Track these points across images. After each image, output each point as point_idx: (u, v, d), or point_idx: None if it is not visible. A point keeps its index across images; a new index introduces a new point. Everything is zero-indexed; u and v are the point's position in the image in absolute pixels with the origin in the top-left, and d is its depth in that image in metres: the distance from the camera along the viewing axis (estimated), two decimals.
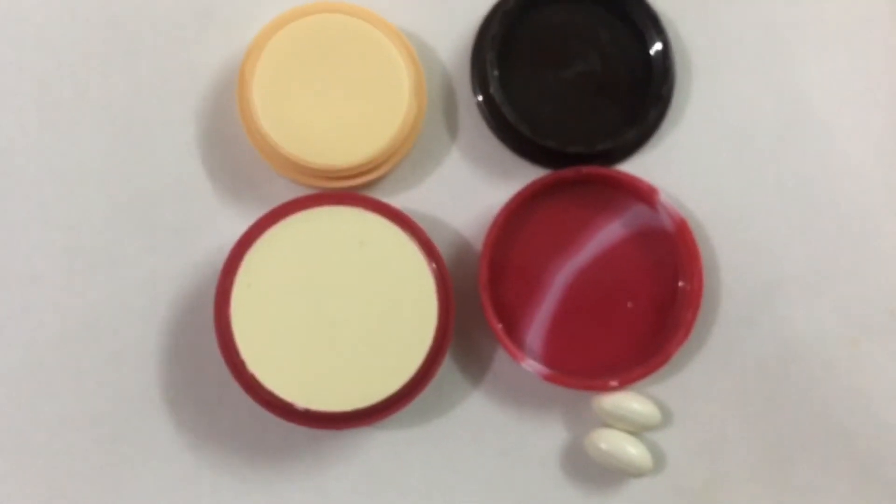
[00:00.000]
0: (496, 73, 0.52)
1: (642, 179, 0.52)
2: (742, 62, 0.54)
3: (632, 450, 0.51)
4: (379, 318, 0.48)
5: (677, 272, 0.52)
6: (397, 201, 0.52)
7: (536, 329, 0.52)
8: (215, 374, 0.51)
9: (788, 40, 0.54)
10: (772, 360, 0.53)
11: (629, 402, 0.51)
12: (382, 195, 0.52)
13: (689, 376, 0.53)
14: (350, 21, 0.51)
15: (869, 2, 0.55)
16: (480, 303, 0.51)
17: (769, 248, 0.53)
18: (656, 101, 0.53)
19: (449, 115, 0.54)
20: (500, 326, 0.51)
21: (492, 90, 0.52)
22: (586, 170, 0.52)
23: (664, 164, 0.53)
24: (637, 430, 0.52)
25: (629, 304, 0.52)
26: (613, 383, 0.51)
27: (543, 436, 0.52)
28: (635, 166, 0.53)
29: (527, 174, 0.53)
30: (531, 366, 0.51)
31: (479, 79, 0.53)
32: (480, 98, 0.53)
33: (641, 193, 0.52)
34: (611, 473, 0.52)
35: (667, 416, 0.53)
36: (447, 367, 0.52)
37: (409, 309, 0.49)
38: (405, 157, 0.52)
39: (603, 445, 0.51)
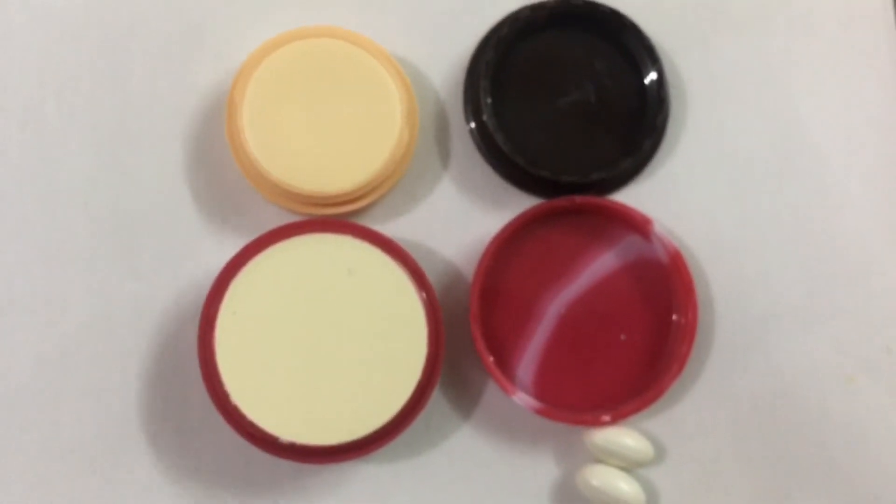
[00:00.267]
0: (489, 100, 0.52)
1: (636, 210, 0.52)
2: (737, 92, 0.54)
3: (624, 486, 0.50)
4: (367, 349, 0.48)
5: (671, 304, 0.52)
6: (387, 229, 0.51)
7: (528, 361, 0.51)
8: (198, 404, 0.50)
9: (783, 71, 0.54)
10: (767, 395, 0.52)
11: (622, 437, 0.50)
12: (372, 223, 0.52)
13: (683, 411, 0.52)
14: (342, 46, 0.50)
15: (863, 33, 0.55)
16: (471, 334, 0.50)
17: (764, 280, 0.53)
18: (651, 131, 0.52)
19: (441, 142, 0.53)
20: (490, 359, 0.50)
21: (485, 117, 0.52)
22: (580, 199, 0.51)
23: (659, 195, 0.53)
24: (630, 466, 0.51)
25: (622, 337, 0.52)
26: (606, 418, 0.50)
27: (534, 471, 0.52)
28: (629, 196, 0.53)
29: (519, 203, 0.52)
30: (522, 399, 0.50)
31: (473, 106, 0.53)
32: (473, 125, 0.53)
33: (635, 224, 0.52)
34: None
35: (660, 452, 0.52)
36: (436, 400, 0.52)
37: (398, 339, 0.48)
38: (396, 184, 0.52)
39: (595, 482, 0.50)
